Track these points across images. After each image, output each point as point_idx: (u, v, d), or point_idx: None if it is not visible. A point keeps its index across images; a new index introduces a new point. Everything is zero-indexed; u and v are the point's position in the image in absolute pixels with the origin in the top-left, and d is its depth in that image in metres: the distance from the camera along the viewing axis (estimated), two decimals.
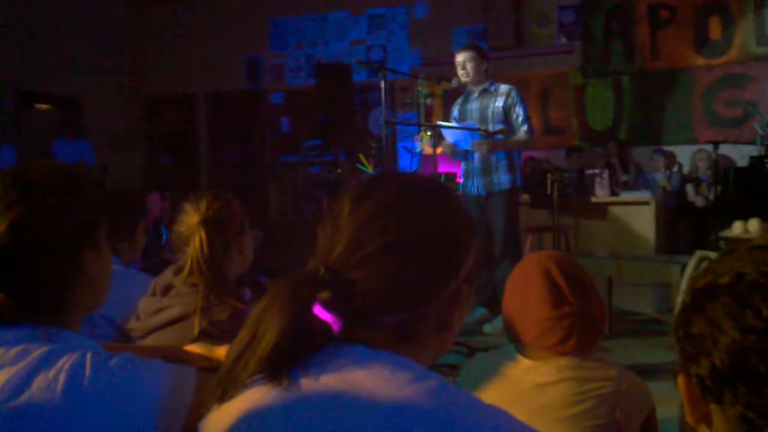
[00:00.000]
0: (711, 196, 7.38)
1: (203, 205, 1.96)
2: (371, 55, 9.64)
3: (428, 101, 8.96)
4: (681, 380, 0.85)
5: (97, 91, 9.95)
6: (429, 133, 5.47)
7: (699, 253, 4.49)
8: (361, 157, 7.35)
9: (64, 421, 1.04)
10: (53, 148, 8.67)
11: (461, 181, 5.52)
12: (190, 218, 1.95)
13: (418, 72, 8.16)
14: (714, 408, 0.81)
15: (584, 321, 1.63)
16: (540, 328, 1.63)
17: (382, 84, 4.91)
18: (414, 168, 7.56)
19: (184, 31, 10.42)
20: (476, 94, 5.30)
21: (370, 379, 0.88)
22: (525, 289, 1.68)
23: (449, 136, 5.29)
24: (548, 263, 1.68)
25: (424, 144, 5.59)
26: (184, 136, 10.90)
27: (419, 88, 5.62)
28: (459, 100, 5.48)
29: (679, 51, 8.23)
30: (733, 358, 0.77)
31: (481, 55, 5.23)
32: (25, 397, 1.05)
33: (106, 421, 1.05)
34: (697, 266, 0.90)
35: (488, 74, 5.32)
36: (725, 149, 7.13)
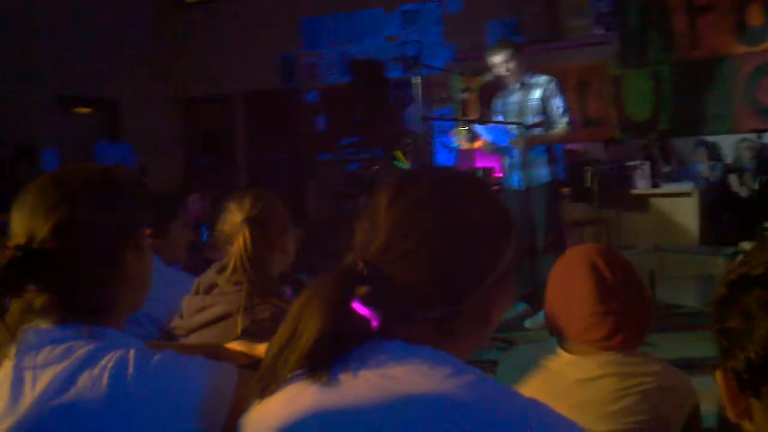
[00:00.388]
0: (756, 186, 7.23)
1: (247, 203, 1.97)
2: (405, 51, 9.63)
3: (464, 96, 8.92)
4: (719, 376, 0.83)
5: (135, 94, 10.10)
6: (465, 128, 5.44)
7: (743, 245, 4.41)
8: (398, 153, 7.36)
9: (109, 418, 1.06)
10: (96, 151, 8.83)
11: (501, 175, 5.48)
12: (234, 217, 1.96)
13: (452, 67, 8.14)
14: (753, 402, 0.79)
15: (631, 317, 1.59)
16: (585, 324, 1.59)
17: (418, 80, 4.89)
18: (451, 163, 7.54)
19: (219, 33, 10.51)
20: (517, 87, 5.26)
21: (408, 374, 0.88)
22: (570, 283, 1.64)
23: (487, 134, 5.25)
24: (595, 257, 1.64)
25: (460, 139, 5.57)
26: (221, 136, 11.01)
27: (454, 82, 5.60)
28: (501, 94, 5.42)
29: (718, 39, 8.06)
30: None
31: (519, 49, 5.17)
32: (71, 395, 1.07)
33: (149, 418, 1.07)
34: (732, 259, 0.89)
35: (527, 66, 5.25)
36: None
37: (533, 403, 0.88)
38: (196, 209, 6.45)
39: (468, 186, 1.03)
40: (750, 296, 0.78)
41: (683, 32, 8.23)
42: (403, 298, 0.92)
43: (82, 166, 1.27)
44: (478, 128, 5.25)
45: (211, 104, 10.96)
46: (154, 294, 1.36)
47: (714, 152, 7.98)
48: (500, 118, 5.33)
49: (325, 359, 0.91)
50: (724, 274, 0.83)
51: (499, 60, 5.16)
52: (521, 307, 5.18)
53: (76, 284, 1.16)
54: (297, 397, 0.92)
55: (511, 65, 5.13)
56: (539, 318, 4.96)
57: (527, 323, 5.03)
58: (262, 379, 0.95)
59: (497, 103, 5.45)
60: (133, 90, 10.06)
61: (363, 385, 0.89)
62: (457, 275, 0.95)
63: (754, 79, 7.92)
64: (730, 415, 0.83)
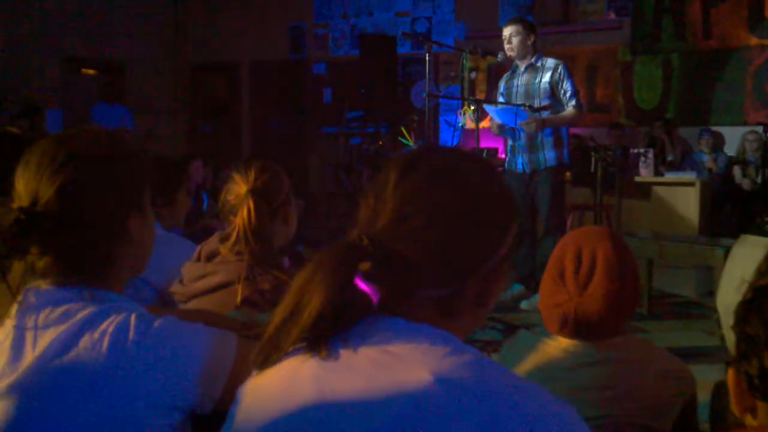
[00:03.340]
0: (759, 179, 7.22)
1: (252, 175, 1.96)
2: (416, 27, 9.56)
3: (472, 75, 8.87)
4: (731, 373, 0.84)
5: (142, 58, 10.06)
6: (472, 108, 5.42)
7: (743, 238, 4.39)
8: (403, 130, 7.33)
9: (108, 381, 1.07)
10: (93, 112, 8.77)
11: (504, 157, 5.47)
12: (239, 188, 1.96)
13: (463, 45, 8.08)
14: (760, 403, 0.80)
15: (614, 303, 1.57)
16: (567, 309, 1.58)
17: (427, 57, 4.86)
18: (455, 142, 7.52)
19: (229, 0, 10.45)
20: (522, 69, 5.23)
21: (408, 352, 0.89)
22: (557, 269, 1.63)
23: (496, 115, 5.24)
24: (582, 241, 1.63)
25: (466, 118, 5.54)
26: (226, 103, 10.97)
27: (464, 61, 5.57)
28: (506, 76, 5.41)
29: (731, 30, 8.00)
30: None
31: (527, 29, 5.14)
32: (71, 356, 1.07)
33: (148, 383, 1.07)
34: (766, 258, 0.89)
35: (535, 49, 5.23)
36: None
37: (529, 385, 0.89)
38: (198, 176, 6.44)
39: (478, 167, 1.03)
40: None
41: (696, 21, 8.17)
42: (406, 275, 0.92)
43: (87, 128, 1.26)
44: (488, 108, 5.23)
45: (217, 71, 10.91)
46: (154, 259, 1.36)
47: (718, 142, 7.96)
48: (502, 100, 5.31)
49: (325, 334, 0.91)
50: (756, 276, 0.84)
51: (505, 34, 5.14)
52: (517, 290, 5.20)
53: (78, 247, 1.16)
54: (296, 370, 0.93)
55: (514, 42, 5.11)
56: (535, 300, 4.98)
57: (523, 305, 5.06)
58: (263, 350, 0.95)
59: (501, 84, 5.43)
60: (141, 53, 10.02)
61: (362, 360, 0.89)
62: (463, 255, 0.95)
63: (765, 72, 7.87)
64: (735, 409, 0.84)
